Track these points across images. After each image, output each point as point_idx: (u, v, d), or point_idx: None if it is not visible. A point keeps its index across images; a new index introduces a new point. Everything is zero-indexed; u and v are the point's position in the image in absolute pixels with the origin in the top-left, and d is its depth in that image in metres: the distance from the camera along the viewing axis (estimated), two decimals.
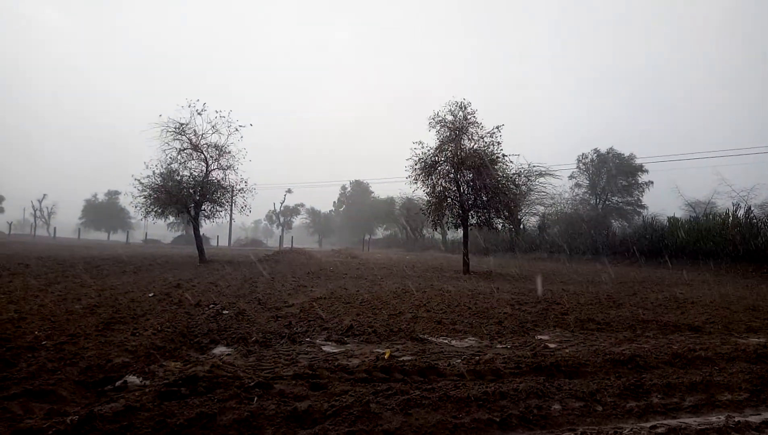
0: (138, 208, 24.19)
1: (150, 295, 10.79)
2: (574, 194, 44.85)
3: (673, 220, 30.47)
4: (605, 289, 14.18)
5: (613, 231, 35.07)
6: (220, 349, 6.06)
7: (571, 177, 45.53)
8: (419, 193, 23.11)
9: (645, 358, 5.90)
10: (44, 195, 71.83)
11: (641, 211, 42.61)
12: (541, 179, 41.01)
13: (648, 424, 4.00)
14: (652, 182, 43.47)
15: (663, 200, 43.01)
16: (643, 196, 43.67)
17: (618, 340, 7.09)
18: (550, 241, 36.24)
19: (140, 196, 23.82)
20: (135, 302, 9.63)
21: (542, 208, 42.33)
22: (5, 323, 6.95)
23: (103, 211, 68.71)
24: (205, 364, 5.17)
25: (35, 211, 70.91)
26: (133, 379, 4.66)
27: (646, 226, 31.02)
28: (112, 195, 69.02)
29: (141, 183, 23.79)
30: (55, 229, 63.34)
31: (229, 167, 24.95)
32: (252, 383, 4.47)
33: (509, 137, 19.35)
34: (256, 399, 4.15)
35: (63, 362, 5.07)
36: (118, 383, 4.55)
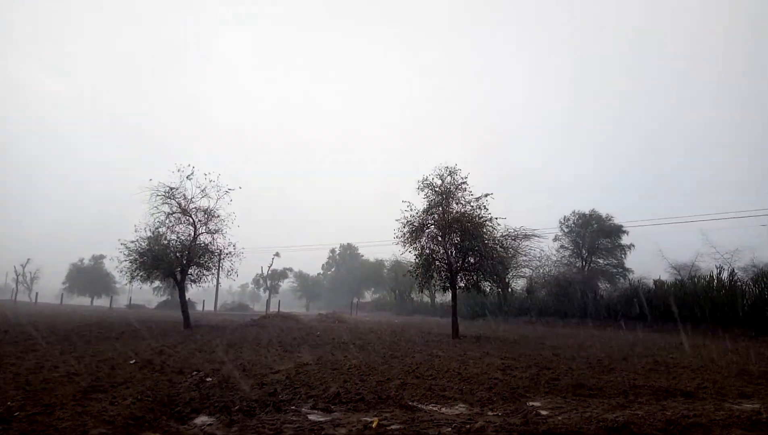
0: (123, 272, 23.85)
1: (131, 361, 10.49)
2: (560, 256, 45.16)
3: (659, 283, 30.66)
4: (595, 354, 14.05)
5: (600, 294, 35.11)
6: (202, 419, 5.85)
7: (555, 239, 46.01)
8: (408, 255, 23.16)
9: (639, 425, 5.80)
10: (28, 260, 70.85)
11: (626, 273, 42.86)
12: (527, 242, 41.42)
13: None
14: (633, 245, 44.02)
15: (647, 261, 43.50)
16: (626, 257, 44.07)
17: (611, 407, 6.97)
18: (538, 304, 36.14)
19: (126, 260, 23.55)
20: (115, 369, 9.34)
21: (529, 270, 42.49)
22: None
23: (88, 276, 67.53)
24: None
25: (17, 277, 69.60)
26: None
27: (633, 290, 31.13)
28: (98, 259, 68.22)
29: (127, 247, 23.59)
30: (36, 294, 61.97)
31: (217, 231, 24.84)
32: None
33: (494, 201, 19.92)
34: None
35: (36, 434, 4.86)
36: None
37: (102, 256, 67.21)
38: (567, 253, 45.39)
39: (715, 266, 29.96)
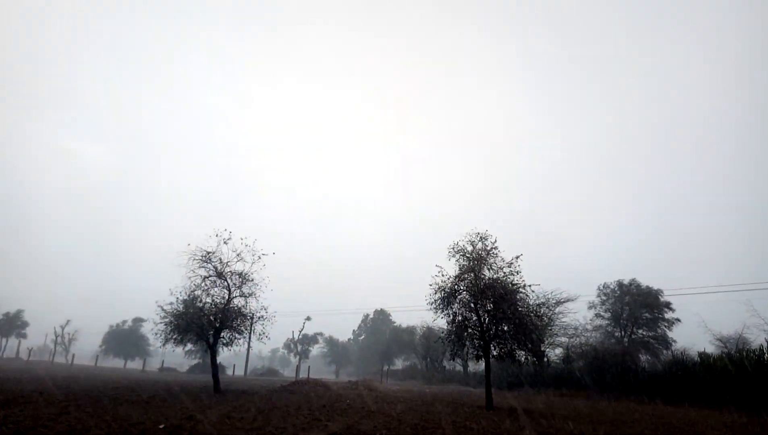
0: (158, 335, 24.26)
1: (161, 426, 10.53)
2: (597, 325, 43.64)
3: (705, 356, 29.18)
4: (641, 430, 13.36)
5: (642, 367, 33.54)
6: None
7: (591, 306, 44.57)
8: (440, 321, 22.85)
9: None
10: (67, 321, 72.47)
11: (669, 344, 40.95)
12: (561, 308, 40.21)
13: None
14: (679, 320, 42.10)
15: (689, 331, 41.48)
16: (670, 331, 42.15)
17: None
18: (576, 375, 34.64)
19: (161, 322, 24.03)
20: (144, 434, 9.39)
21: (565, 339, 41.02)
22: None
23: (124, 338, 68.57)
24: None
25: (56, 338, 71.06)
26: None
27: (676, 364, 29.66)
28: (137, 322, 69.49)
29: (163, 309, 24.11)
30: (73, 355, 62.89)
31: (250, 294, 25.23)
32: None
33: (525, 266, 19.71)
34: None
35: None
36: None
37: (141, 319, 68.47)
38: (604, 322, 43.93)
39: (765, 339, 28.43)
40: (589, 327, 42.74)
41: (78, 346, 72.29)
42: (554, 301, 39.39)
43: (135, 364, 67.56)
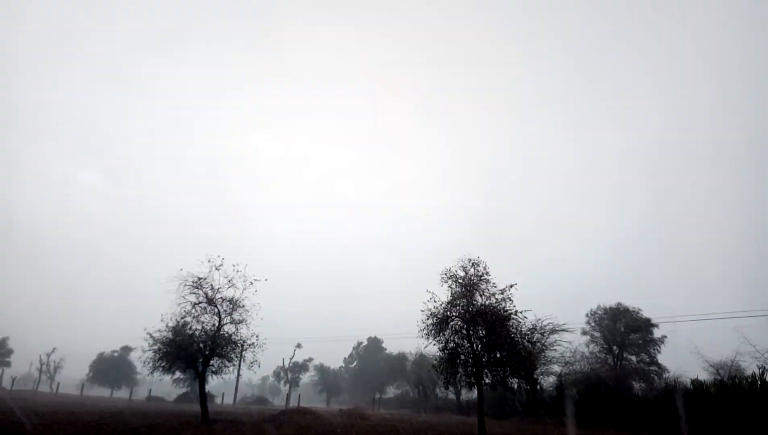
0: (146, 363, 23.95)
1: None
2: (590, 351, 43.44)
3: (697, 384, 29.12)
4: None
5: (635, 394, 33.34)
6: None
7: (584, 333, 44.45)
8: (432, 348, 22.74)
9: None
10: (53, 349, 71.10)
11: (662, 372, 40.82)
12: (555, 336, 40.07)
13: None
14: (665, 337, 42.12)
15: (680, 357, 41.43)
16: (659, 352, 42.09)
17: None
18: (570, 404, 34.30)
19: (150, 349, 23.74)
20: None
21: (559, 366, 40.76)
22: None
23: (112, 366, 67.40)
24: None
25: (41, 366, 69.69)
26: None
27: (669, 392, 29.55)
28: (125, 350, 68.42)
29: (152, 336, 23.83)
30: (58, 384, 61.72)
31: (241, 321, 25.04)
32: None
33: (518, 294, 19.72)
34: None
35: None
36: None
37: (130, 348, 67.43)
38: (597, 348, 43.78)
39: (757, 366, 28.44)
40: (583, 352, 42.48)
41: (64, 374, 70.79)
42: (549, 329, 39.30)
43: (121, 393, 66.22)
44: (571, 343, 41.97)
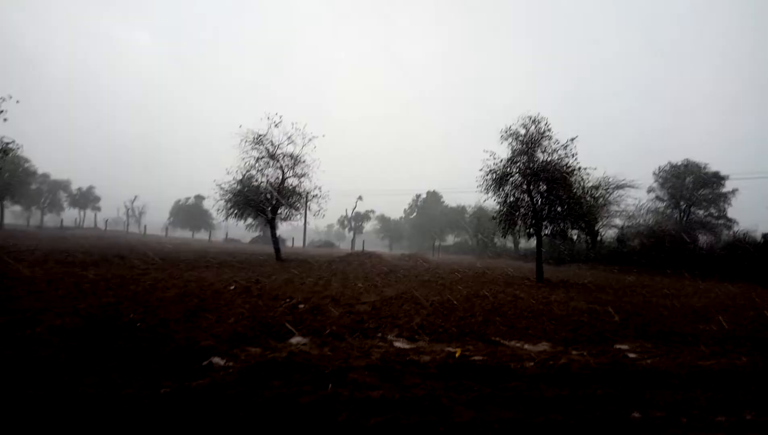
0: (219, 210, 25.64)
1: (231, 287, 11.38)
2: (656, 207, 42.47)
3: None
4: (692, 303, 13.35)
5: (699, 245, 32.79)
6: (296, 339, 6.31)
7: (649, 190, 43.10)
8: (491, 202, 22.75)
9: (737, 374, 5.54)
10: (135, 196, 77.45)
11: (731, 224, 39.63)
12: (620, 192, 39.14)
13: None
14: (737, 190, 40.37)
15: (754, 214, 39.84)
16: (730, 205, 40.59)
17: (705, 354, 6.69)
18: (629, 253, 34.37)
19: (221, 199, 25.22)
20: (218, 294, 10.19)
21: (621, 221, 40.38)
22: (105, 307, 7.60)
23: (189, 212, 73.21)
24: (283, 351, 5.43)
25: (128, 211, 76.47)
26: (218, 361, 4.97)
27: (737, 243, 28.80)
28: (198, 199, 73.51)
29: (222, 188, 25.17)
30: (145, 226, 67.97)
31: (303, 175, 25.84)
32: (327, 371, 4.64)
33: (584, 150, 18.72)
34: (330, 386, 4.31)
35: (156, 342, 5.49)
36: (204, 363, 4.88)
37: (202, 196, 72.08)
38: (663, 204, 42.63)
39: None
40: (647, 208, 41.65)
41: (148, 218, 77.60)
42: (613, 186, 38.31)
43: (201, 235, 72.25)
44: (638, 199, 40.98)
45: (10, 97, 17.81)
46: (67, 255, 17.65)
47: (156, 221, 76.58)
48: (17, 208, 59.71)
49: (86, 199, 69.90)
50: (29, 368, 4.27)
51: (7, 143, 17.42)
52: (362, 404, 3.95)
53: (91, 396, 3.51)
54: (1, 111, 17.07)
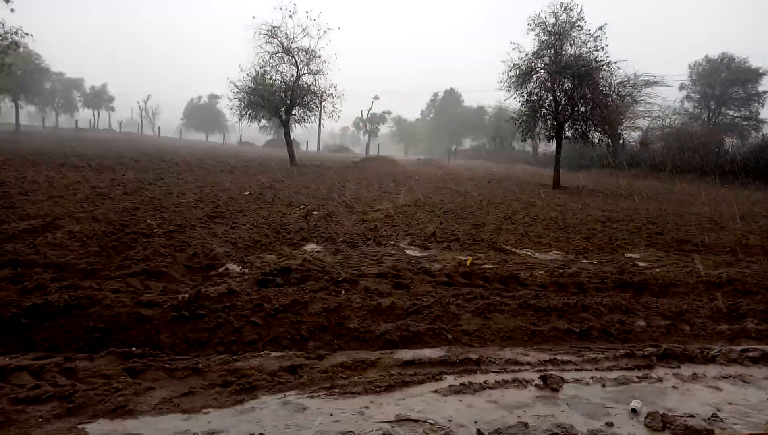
0: (233, 110, 25.37)
1: (246, 193, 11.48)
2: (684, 108, 40.83)
3: None
4: (708, 211, 13.21)
5: (724, 149, 31.87)
6: (310, 246, 6.42)
7: (682, 87, 41.13)
8: (512, 102, 22.07)
9: (744, 282, 5.56)
10: (149, 96, 76.67)
11: (760, 126, 38.24)
12: (648, 90, 37.46)
13: (739, 347, 3.84)
14: None
15: None
16: (762, 106, 38.87)
17: (716, 263, 6.70)
18: (651, 158, 33.59)
19: (235, 98, 24.84)
20: (233, 199, 10.30)
21: (646, 122, 39.02)
22: (122, 212, 7.73)
23: (203, 113, 72.53)
24: (297, 258, 5.53)
25: (141, 112, 76.05)
26: (233, 267, 5.09)
27: (763, 147, 27.89)
28: (212, 98, 72.36)
29: (236, 85, 24.71)
30: (159, 128, 67.90)
31: (318, 72, 25.16)
32: (340, 278, 4.73)
33: (612, 42, 17.53)
34: (343, 292, 4.41)
35: (173, 248, 5.62)
36: (220, 269, 5.00)
37: (216, 96, 70.92)
38: (692, 104, 40.95)
39: None
40: (675, 108, 40.04)
41: (161, 120, 77.32)
42: (642, 83, 36.58)
43: (215, 138, 72.22)
44: (666, 98, 39.25)
45: None
46: (84, 159, 17.80)
47: (169, 123, 76.38)
48: (32, 108, 59.54)
49: (100, 98, 69.20)
50: (51, 273, 4.41)
51: (16, 32, 16.89)
52: (373, 311, 4.06)
53: (112, 301, 3.64)
54: (9, 0, 16.42)
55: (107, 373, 2.77)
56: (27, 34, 19.45)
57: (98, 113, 70.93)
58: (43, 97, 54.80)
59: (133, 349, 3.16)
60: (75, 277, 4.37)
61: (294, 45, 24.27)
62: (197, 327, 3.51)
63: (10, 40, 16.95)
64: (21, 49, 25.92)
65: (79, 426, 2.24)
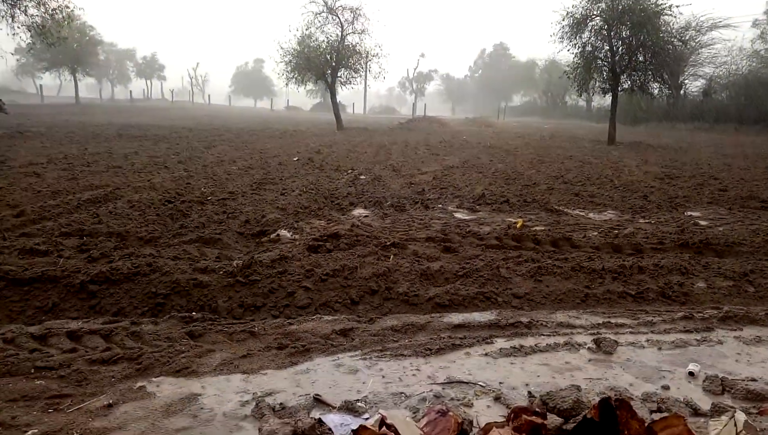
0: (280, 75, 25.54)
1: (295, 159, 11.62)
2: (754, 50, 37.51)
3: None
4: None
5: None
6: (358, 211, 6.48)
7: (754, 24, 37.58)
8: (564, 54, 21.13)
9: None
10: (197, 63, 78.22)
11: None
12: (714, 34, 34.71)
13: None
14: None
15: None
16: None
17: None
18: (716, 109, 31.51)
19: (282, 61, 24.97)
20: (282, 165, 10.46)
21: (712, 69, 36.29)
22: (178, 180, 8.00)
23: (250, 79, 73.32)
24: (346, 223, 5.60)
25: (191, 80, 77.60)
26: (284, 233, 5.21)
27: None
28: (259, 62, 72.93)
29: (282, 48, 24.83)
30: (209, 96, 69.27)
31: (363, 31, 24.88)
32: (388, 243, 4.76)
33: None
34: (392, 257, 4.44)
35: (226, 215, 5.80)
36: (272, 235, 5.13)
37: (261, 60, 71.39)
38: (764, 46, 37.61)
39: None
40: (744, 52, 36.85)
41: (210, 87, 78.71)
42: (706, 26, 33.94)
43: (263, 104, 73.00)
44: (733, 40, 36.19)
45: None
46: (140, 129, 18.43)
47: (219, 90, 77.68)
48: (90, 80, 61.84)
49: (151, 67, 71.04)
50: (114, 241, 4.66)
51: (68, 6, 17.42)
52: (422, 275, 4.08)
53: (172, 268, 3.81)
54: None
55: (170, 336, 2.93)
56: (80, 9, 20.08)
57: (150, 83, 72.96)
58: (98, 69, 56.78)
59: (193, 313, 3.32)
60: (136, 245, 4.60)
61: (338, 3, 24.06)
62: (252, 292, 3.64)
63: (64, 13, 17.47)
64: (75, 22, 26.68)
65: (148, 385, 2.39)
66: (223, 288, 3.65)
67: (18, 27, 17.03)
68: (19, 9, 16.54)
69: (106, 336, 2.91)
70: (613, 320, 3.35)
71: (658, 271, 4.29)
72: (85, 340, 2.86)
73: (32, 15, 16.90)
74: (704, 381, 2.54)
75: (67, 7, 17.49)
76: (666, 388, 2.50)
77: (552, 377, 2.58)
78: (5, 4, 16.27)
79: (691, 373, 2.63)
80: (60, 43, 18.60)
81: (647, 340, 3.05)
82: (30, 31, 17.24)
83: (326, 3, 23.91)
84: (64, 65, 43.97)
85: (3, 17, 16.54)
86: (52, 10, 17.07)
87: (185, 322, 3.16)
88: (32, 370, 2.48)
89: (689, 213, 6.78)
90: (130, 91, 63.19)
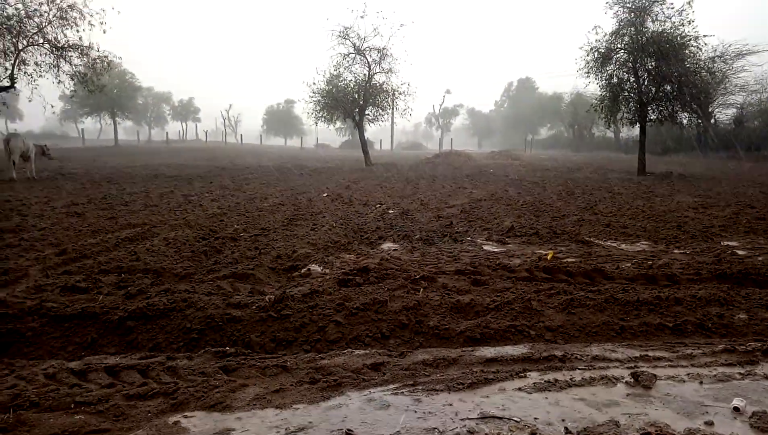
0: (309, 114, 26.20)
1: (324, 195, 11.80)
2: None
3: None
4: None
5: None
6: (387, 245, 6.51)
7: None
8: (591, 87, 21.14)
9: None
10: (230, 105, 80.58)
11: None
12: (742, 62, 34.14)
13: None
14: None
15: None
16: None
17: None
18: (748, 137, 30.81)
19: (311, 101, 25.63)
20: (312, 202, 10.63)
21: (742, 97, 35.59)
22: (212, 218, 8.20)
23: (281, 118, 75.29)
24: (375, 257, 5.63)
25: (224, 120, 80.00)
26: (315, 268, 5.27)
27: None
28: (289, 103, 74.97)
29: (311, 88, 25.54)
30: (241, 136, 71.17)
31: (390, 70, 25.42)
32: (417, 276, 4.76)
33: (701, 12, 16.19)
34: (421, 290, 4.44)
35: (258, 251, 5.90)
36: (303, 270, 5.19)
37: (292, 101, 73.33)
38: None
39: None
40: None
41: (243, 127, 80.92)
42: (734, 54, 33.47)
43: (293, 142, 74.56)
44: (762, 66, 35.50)
45: (112, 9, 18.45)
46: (176, 169, 19.03)
47: (250, 129, 79.67)
48: (128, 123, 64.31)
49: (187, 110, 73.57)
50: (150, 278, 4.79)
51: (107, 56, 18.35)
52: (452, 308, 4.06)
53: (206, 303, 3.90)
54: (102, 22, 17.85)
55: (205, 371, 2.97)
56: (119, 58, 21.16)
57: (186, 125, 75.48)
58: (137, 113, 59.12)
59: (227, 348, 3.37)
60: (171, 281, 4.72)
61: (366, 45, 24.71)
62: (284, 326, 3.68)
63: (104, 63, 18.40)
64: (115, 70, 28.02)
65: (182, 420, 2.43)
66: (256, 323, 3.70)
67: (63, 75, 17.97)
68: (65, 59, 17.49)
69: (143, 371, 2.98)
70: (650, 353, 3.27)
71: (696, 303, 4.18)
72: (122, 375, 2.94)
73: (76, 65, 17.84)
74: (751, 417, 2.44)
75: (106, 57, 18.42)
76: (710, 423, 2.41)
77: (589, 413, 2.52)
78: (53, 56, 17.25)
79: (736, 409, 2.53)
80: (100, 90, 19.52)
81: (687, 374, 2.96)
82: (73, 79, 18.15)
83: (354, 45, 24.62)
84: (105, 110, 46.07)
85: (50, 68, 17.51)
86: (92, 60, 17.98)
87: (219, 357, 3.21)
88: (72, 405, 2.55)
89: (726, 242, 6.60)
90: (167, 133, 65.39)
